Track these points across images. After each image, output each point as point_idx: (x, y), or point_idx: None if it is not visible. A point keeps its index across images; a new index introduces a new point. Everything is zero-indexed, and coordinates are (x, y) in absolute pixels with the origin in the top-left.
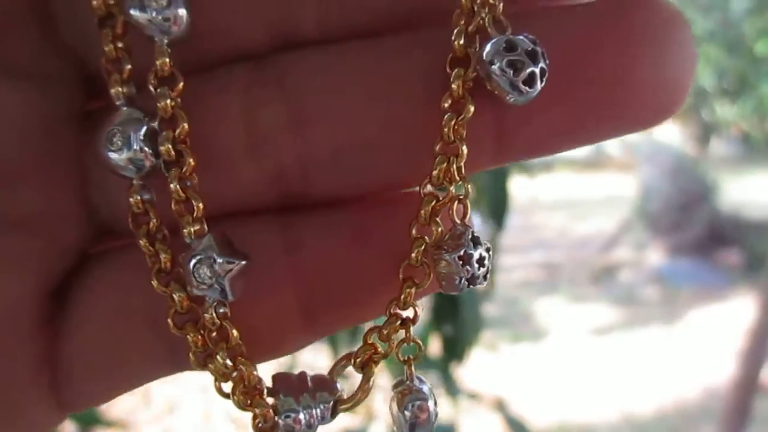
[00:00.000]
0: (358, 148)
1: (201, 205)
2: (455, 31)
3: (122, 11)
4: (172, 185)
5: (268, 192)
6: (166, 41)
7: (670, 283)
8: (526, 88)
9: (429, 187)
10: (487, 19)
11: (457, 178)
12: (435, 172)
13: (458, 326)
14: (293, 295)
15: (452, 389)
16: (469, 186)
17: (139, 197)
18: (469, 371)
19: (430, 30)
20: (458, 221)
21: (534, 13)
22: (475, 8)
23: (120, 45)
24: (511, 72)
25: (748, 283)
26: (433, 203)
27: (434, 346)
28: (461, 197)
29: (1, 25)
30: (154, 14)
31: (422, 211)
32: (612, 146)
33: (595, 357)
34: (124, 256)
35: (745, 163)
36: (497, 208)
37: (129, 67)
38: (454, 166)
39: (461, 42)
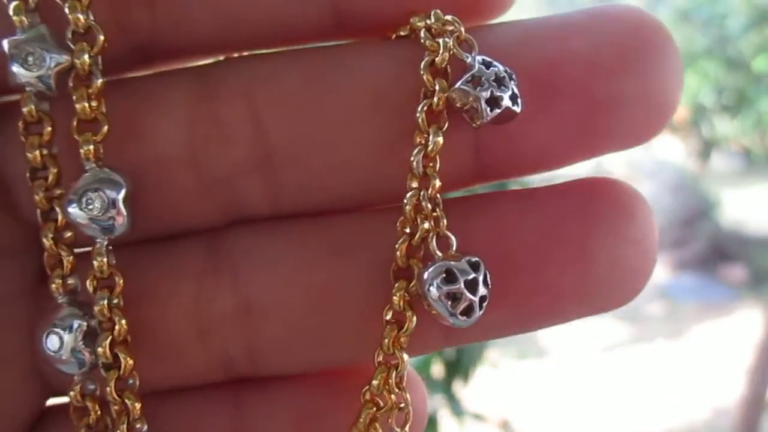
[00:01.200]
0: (305, 337)
1: (138, 405)
2: (398, 243)
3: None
4: (108, 389)
5: (215, 375)
6: (106, 242)
7: (674, 299)
8: (464, 317)
9: (369, 395)
10: (431, 236)
11: (397, 390)
12: (375, 382)
13: (461, 346)
14: None
15: (457, 409)
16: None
17: (79, 390)
18: (474, 389)
19: (379, 219)
20: (464, 54)
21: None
22: (418, 221)
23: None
24: (449, 303)
25: (753, 298)
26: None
27: (437, 368)
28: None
29: None
30: (95, 213)
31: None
32: (613, 162)
33: (600, 374)
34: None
35: (746, 178)
36: None
37: (71, 259)
38: (393, 378)
39: (403, 255)
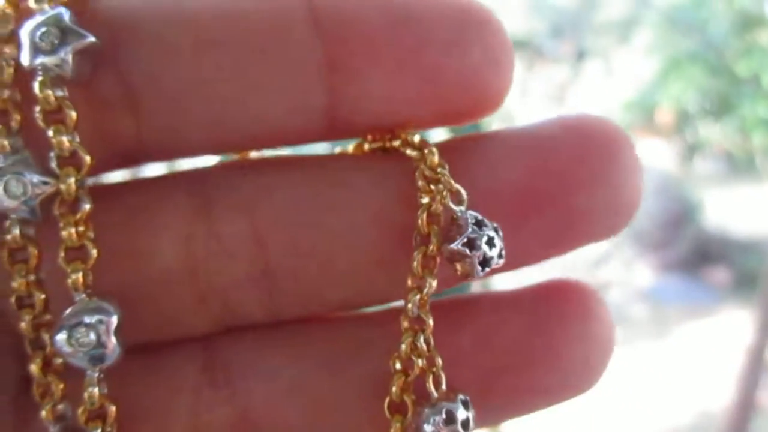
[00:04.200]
0: None
1: None
2: (393, 380)
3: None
4: None
5: None
6: (96, 372)
7: (658, 301)
8: None
9: None
10: (428, 376)
11: None
12: None
13: None
14: None
15: None
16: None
17: None
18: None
19: (372, 328)
20: (455, 208)
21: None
22: (413, 358)
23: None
24: None
25: (737, 300)
26: None
27: None
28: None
29: None
30: (84, 345)
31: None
32: None
33: None
34: None
35: (729, 180)
36: None
37: (62, 386)
38: None
39: (399, 391)
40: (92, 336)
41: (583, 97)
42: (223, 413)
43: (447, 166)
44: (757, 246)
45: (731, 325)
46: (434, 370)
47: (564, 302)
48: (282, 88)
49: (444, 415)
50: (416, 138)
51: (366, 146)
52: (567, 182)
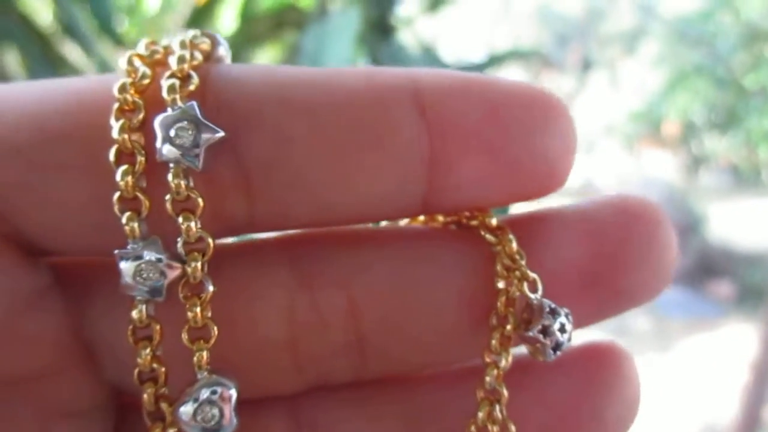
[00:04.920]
0: None
1: None
2: None
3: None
4: None
5: None
6: None
7: (662, 314)
8: None
9: None
10: None
11: None
12: None
13: None
14: None
15: None
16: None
17: None
18: None
19: (451, 391)
20: (531, 296)
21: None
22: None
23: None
24: None
25: (740, 314)
26: None
27: None
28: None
29: (53, 368)
30: (207, 421)
31: None
32: (603, 178)
33: None
34: None
35: (734, 193)
36: None
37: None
38: None
39: None
40: (215, 410)
41: (589, 107)
42: None
43: (524, 255)
44: (761, 259)
45: (735, 339)
46: None
47: (604, 367)
48: (389, 175)
49: None
50: (493, 221)
51: (440, 218)
52: (617, 264)
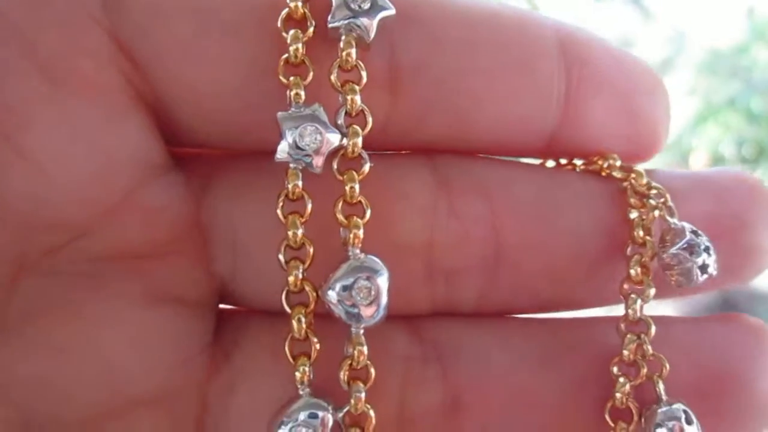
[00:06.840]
0: None
1: None
2: (617, 387)
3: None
4: None
5: None
6: (361, 330)
7: None
8: None
9: None
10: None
11: None
12: None
13: None
14: None
15: None
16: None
17: None
18: None
19: (584, 334)
20: (671, 219)
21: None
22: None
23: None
24: None
25: None
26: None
27: None
28: (663, 203)
29: (167, 248)
30: (358, 300)
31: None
32: None
33: None
34: None
35: None
36: None
37: (318, 347)
38: None
39: (624, 398)
40: (367, 293)
41: None
42: (433, 393)
43: (659, 185)
44: None
45: None
46: (662, 372)
47: (755, 333)
48: (527, 100)
49: (683, 417)
50: (618, 162)
51: (563, 162)
52: (740, 222)
